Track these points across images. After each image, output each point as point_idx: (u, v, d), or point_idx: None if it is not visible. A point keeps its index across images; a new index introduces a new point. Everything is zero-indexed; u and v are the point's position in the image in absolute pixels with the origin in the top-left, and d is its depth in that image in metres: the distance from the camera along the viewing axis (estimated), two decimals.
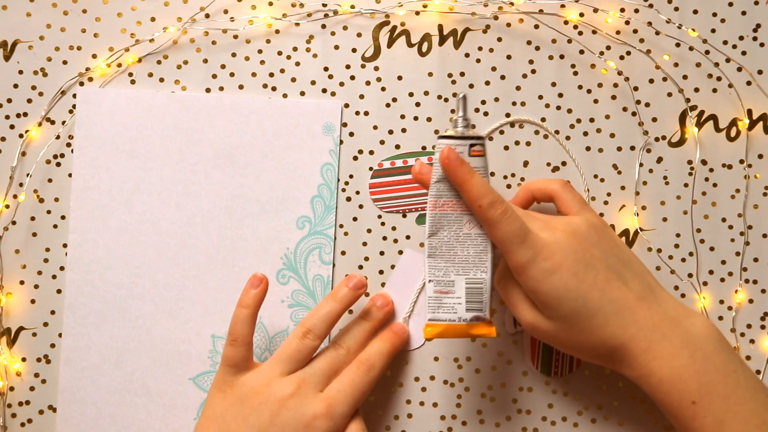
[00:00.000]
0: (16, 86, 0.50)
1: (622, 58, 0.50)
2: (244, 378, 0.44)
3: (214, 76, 0.50)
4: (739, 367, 0.41)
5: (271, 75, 0.50)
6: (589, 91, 0.50)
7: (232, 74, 0.50)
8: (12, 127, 0.50)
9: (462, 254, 0.42)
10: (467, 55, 0.50)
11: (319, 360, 0.45)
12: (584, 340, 0.42)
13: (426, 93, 0.50)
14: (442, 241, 0.42)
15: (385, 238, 0.50)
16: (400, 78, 0.50)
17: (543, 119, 0.50)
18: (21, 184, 0.50)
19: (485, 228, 0.42)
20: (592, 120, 0.50)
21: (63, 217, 0.50)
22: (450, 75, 0.50)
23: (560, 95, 0.50)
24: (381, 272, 0.50)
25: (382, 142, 0.50)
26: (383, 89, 0.50)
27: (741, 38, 0.50)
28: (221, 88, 0.50)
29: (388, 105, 0.50)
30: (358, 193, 0.50)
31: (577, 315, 0.41)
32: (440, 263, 0.42)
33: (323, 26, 0.50)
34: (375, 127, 0.50)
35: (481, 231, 0.42)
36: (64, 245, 0.50)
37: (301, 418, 0.42)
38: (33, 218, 0.50)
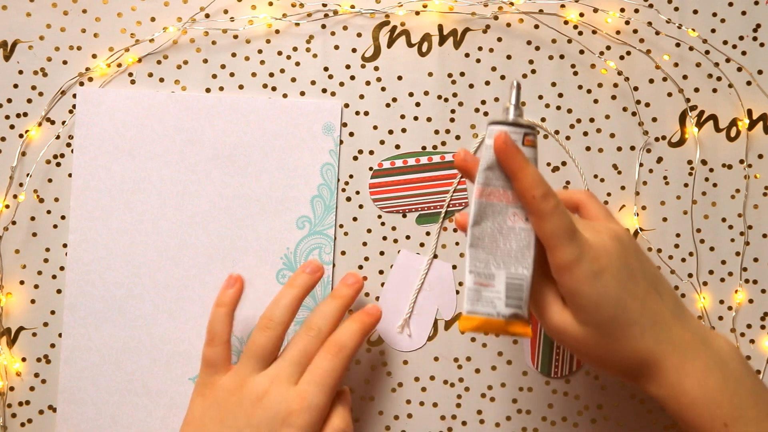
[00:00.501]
0: (16, 86, 0.50)
1: (622, 58, 0.50)
2: (221, 380, 0.44)
3: (214, 76, 0.50)
4: (766, 390, 0.41)
5: (271, 75, 0.50)
6: (589, 91, 0.50)
7: (232, 74, 0.50)
8: (12, 127, 0.50)
9: (504, 248, 0.40)
10: (467, 55, 0.50)
11: (290, 348, 0.44)
12: (615, 350, 0.40)
13: (426, 93, 0.50)
14: (485, 231, 0.40)
15: (385, 238, 0.50)
16: (400, 78, 0.50)
17: (543, 119, 0.50)
18: (21, 184, 0.50)
19: (534, 221, 0.39)
20: (592, 120, 0.50)
21: (63, 217, 0.50)
22: (450, 75, 0.50)
23: (560, 95, 0.50)
24: (381, 272, 0.50)
25: (382, 142, 0.50)
26: (383, 89, 0.50)
27: (741, 38, 0.50)
28: (221, 88, 0.50)
29: (388, 105, 0.50)
30: (358, 193, 0.50)
31: (613, 323, 0.40)
32: (482, 254, 0.40)
33: (323, 26, 0.50)
34: (375, 127, 0.50)
35: (526, 225, 0.40)
36: (64, 245, 0.50)
37: (276, 416, 0.42)
38: (33, 218, 0.50)
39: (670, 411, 0.40)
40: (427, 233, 0.50)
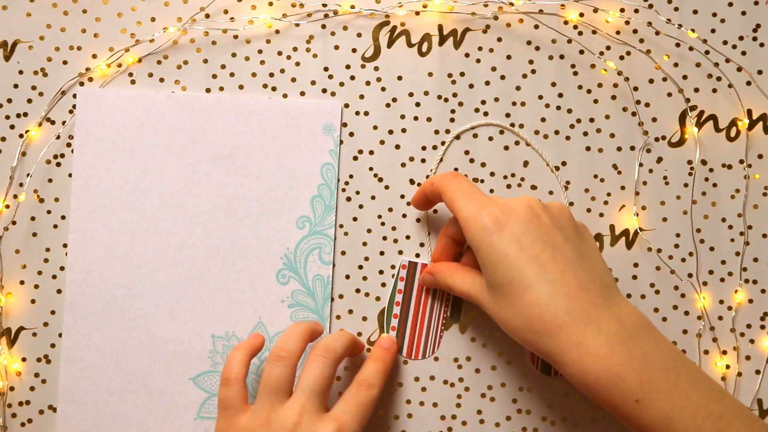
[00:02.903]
0: (16, 86, 0.50)
1: (622, 58, 0.50)
2: (242, 422, 0.43)
3: (214, 76, 0.50)
4: (680, 361, 0.40)
5: (271, 75, 0.50)
6: (589, 91, 0.50)
7: (232, 74, 0.50)
8: (12, 127, 0.50)
9: None
10: (467, 55, 0.50)
11: (307, 376, 0.43)
12: (513, 316, 0.40)
13: (426, 93, 0.50)
14: None
15: (385, 238, 0.50)
16: (400, 78, 0.50)
17: (543, 119, 0.50)
18: (21, 184, 0.50)
19: (443, 198, 0.45)
20: (592, 120, 0.50)
21: (63, 217, 0.50)
22: (450, 75, 0.50)
23: (560, 95, 0.50)
24: (381, 272, 0.50)
25: (382, 142, 0.50)
26: (383, 89, 0.50)
27: (741, 38, 0.50)
28: (221, 88, 0.50)
29: (388, 105, 0.50)
30: (358, 193, 0.50)
31: (509, 285, 0.40)
32: None
33: (323, 26, 0.50)
34: (375, 127, 0.50)
35: None
36: (64, 245, 0.50)
37: None
38: (33, 218, 0.50)
39: (578, 388, 0.40)
40: (428, 233, 0.50)
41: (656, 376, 0.39)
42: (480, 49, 0.50)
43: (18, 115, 0.50)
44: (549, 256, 0.40)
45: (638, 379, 0.38)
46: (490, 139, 0.50)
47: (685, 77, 0.51)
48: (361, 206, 0.50)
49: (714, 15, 0.50)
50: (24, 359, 0.50)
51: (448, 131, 0.50)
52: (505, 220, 0.41)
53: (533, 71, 0.50)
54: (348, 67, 0.50)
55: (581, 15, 0.50)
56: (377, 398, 0.45)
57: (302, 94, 0.50)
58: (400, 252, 0.50)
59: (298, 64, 0.50)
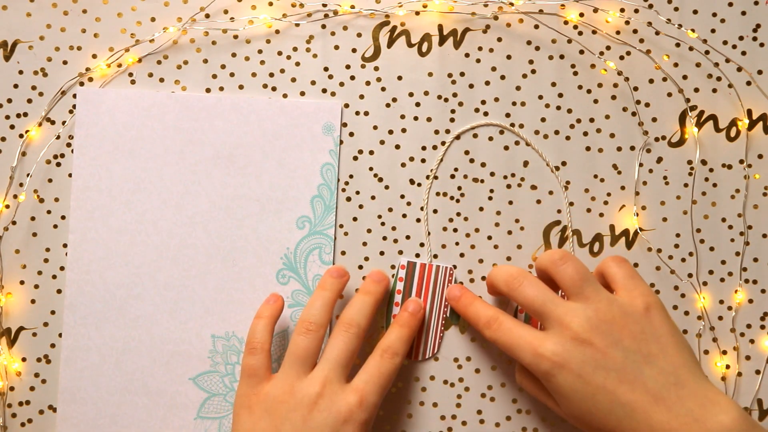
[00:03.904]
0: (16, 86, 0.50)
1: (622, 58, 0.50)
2: (265, 390, 0.44)
3: (214, 76, 0.50)
4: None
5: (271, 75, 0.50)
6: (589, 91, 0.50)
7: (232, 74, 0.50)
8: (12, 127, 0.50)
9: None
10: (467, 55, 0.50)
11: (333, 348, 0.44)
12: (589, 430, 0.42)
13: (426, 93, 0.50)
14: None
15: (385, 238, 0.50)
16: (400, 78, 0.50)
17: (543, 119, 0.50)
18: (21, 184, 0.50)
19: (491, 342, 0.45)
20: (592, 120, 0.50)
21: (63, 217, 0.50)
22: (450, 75, 0.50)
23: (560, 95, 0.50)
24: None
25: (382, 142, 0.50)
26: (383, 89, 0.50)
27: (741, 38, 0.50)
28: (221, 88, 0.50)
29: (388, 105, 0.50)
30: (358, 193, 0.50)
31: (588, 414, 0.41)
32: None
33: (323, 26, 0.50)
34: (375, 127, 0.50)
35: None
36: (64, 245, 0.50)
37: (337, 415, 0.42)
38: (33, 218, 0.50)
39: None
40: (428, 233, 0.50)
41: None
42: (480, 49, 0.50)
43: (18, 115, 0.50)
44: (615, 378, 0.41)
45: None
46: (490, 139, 0.50)
47: (685, 77, 0.51)
48: (361, 206, 0.50)
49: (714, 15, 0.50)
50: (24, 359, 0.50)
51: (448, 131, 0.50)
52: (561, 359, 0.41)
53: (533, 71, 0.50)
54: (348, 67, 0.50)
55: (581, 15, 0.50)
56: (400, 366, 0.46)
57: (302, 94, 0.50)
58: (400, 252, 0.50)
59: (298, 64, 0.50)
